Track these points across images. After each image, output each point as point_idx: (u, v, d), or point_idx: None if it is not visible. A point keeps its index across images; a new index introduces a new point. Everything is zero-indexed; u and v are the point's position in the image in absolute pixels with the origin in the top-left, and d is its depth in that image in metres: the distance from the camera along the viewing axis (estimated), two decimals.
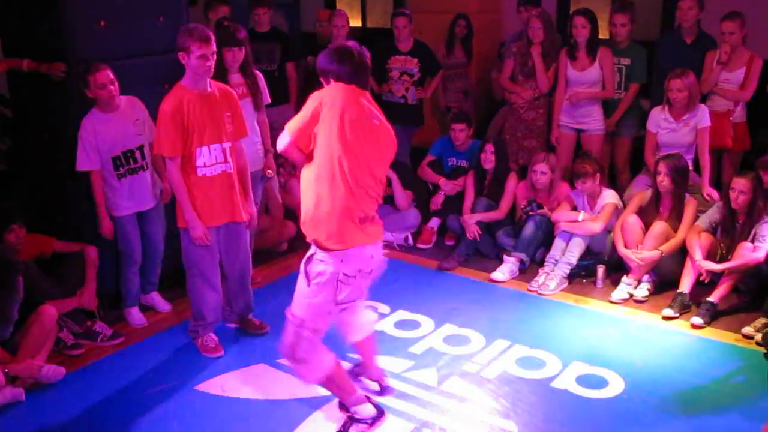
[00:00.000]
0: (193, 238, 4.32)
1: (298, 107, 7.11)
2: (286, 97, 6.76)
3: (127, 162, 4.68)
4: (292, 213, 6.30)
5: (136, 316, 4.96)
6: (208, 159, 4.29)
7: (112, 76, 4.52)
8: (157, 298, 5.12)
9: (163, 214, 4.97)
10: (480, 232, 5.88)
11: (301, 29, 8.84)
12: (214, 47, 4.21)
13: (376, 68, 6.86)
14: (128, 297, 4.95)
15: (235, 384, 4.26)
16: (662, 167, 5.26)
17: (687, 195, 5.37)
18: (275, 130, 6.68)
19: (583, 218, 5.53)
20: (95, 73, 4.47)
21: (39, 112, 4.94)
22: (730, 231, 5.08)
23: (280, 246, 6.16)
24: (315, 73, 7.03)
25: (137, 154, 4.72)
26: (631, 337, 4.75)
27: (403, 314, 5.03)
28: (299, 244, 6.19)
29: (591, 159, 5.73)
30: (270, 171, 5.42)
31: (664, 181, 5.25)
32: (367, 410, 3.77)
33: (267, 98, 5.35)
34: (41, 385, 4.19)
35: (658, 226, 5.25)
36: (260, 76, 5.29)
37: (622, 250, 5.29)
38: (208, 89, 4.30)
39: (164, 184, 4.89)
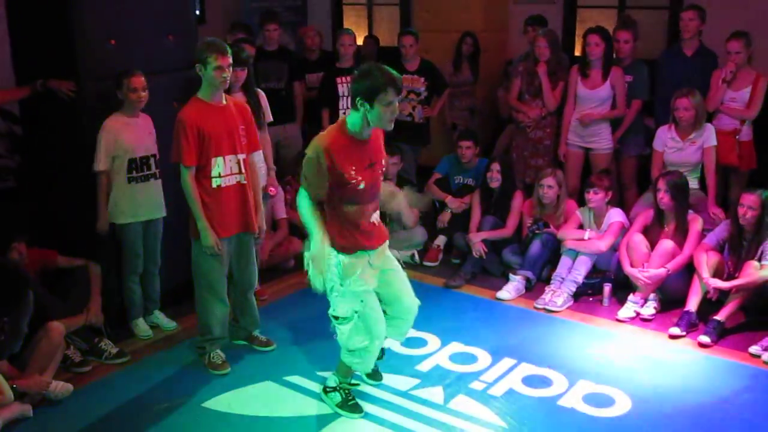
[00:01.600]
0: (204, 247, 4.35)
1: (302, 125, 7.22)
2: (293, 115, 6.82)
3: (141, 168, 4.78)
4: (298, 229, 6.32)
5: (141, 327, 5.00)
6: (224, 170, 4.37)
7: (144, 83, 4.67)
8: (160, 317, 5.13)
9: (162, 228, 5.01)
10: (486, 251, 5.89)
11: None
12: (231, 60, 4.31)
13: None
14: (132, 308, 4.99)
15: (241, 401, 4.26)
16: (661, 184, 5.29)
17: (692, 213, 5.38)
18: (283, 148, 6.83)
19: (590, 236, 5.54)
20: (131, 77, 4.64)
21: (48, 130, 4.98)
22: (738, 249, 5.08)
23: (287, 263, 6.17)
24: (313, 90, 7.11)
25: (151, 161, 4.82)
26: (638, 356, 4.74)
27: (409, 332, 5.02)
28: None
29: (610, 176, 5.80)
30: (272, 189, 5.46)
31: (663, 198, 5.27)
32: None
33: (269, 116, 5.40)
34: (49, 402, 4.20)
35: (665, 244, 5.26)
36: (262, 94, 5.36)
37: (627, 268, 5.29)
38: (224, 102, 4.40)
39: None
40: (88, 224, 4.88)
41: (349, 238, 3.80)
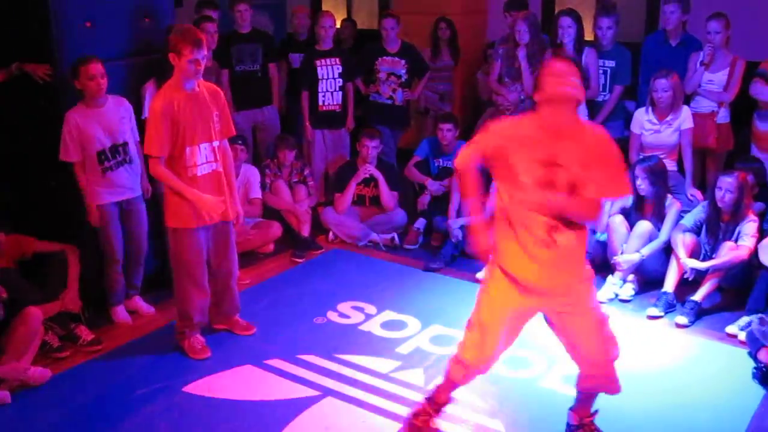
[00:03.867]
0: (206, 212, 4.30)
1: (281, 108, 7.15)
2: (270, 98, 6.75)
3: (113, 156, 4.70)
4: (277, 214, 6.29)
5: (121, 314, 4.96)
6: (199, 158, 4.31)
7: (102, 70, 4.56)
8: (140, 303, 5.09)
9: (146, 212, 4.96)
10: (462, 237, 5.89)
11: (286, 30, 8.84)
12: (206, 51, 4.24)
13: (364, 69, 6.89)
14: (113, 295, 4.94)
15: (222, 385, 4.25)
16: (639, 171, 5.31)
17: (670, 197, 5.41)
18: (260, 131, 6.78)
19: None
20: (87, 64, 4.52)
21: (24, 114, 4.92)
22: (715, 230, 5.12)
23: (266, 247, 6.15)
24: (297, 72, 7.06)
25: (120, 149, 4.74)
26: (616, 337, 4.77)
27: (389, 315, 5.04)
28: (285, 246, 6.20)
29: None
30: None
31: (642, 184, 5.29)
32: None
33: None
34: (27, 388, 4.17)
35: (642, 226, 5.28)
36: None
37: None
38: (197, 89, 4.33)
39: (144, 183, 4.93)
40: (65, 209, 4.85)
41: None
